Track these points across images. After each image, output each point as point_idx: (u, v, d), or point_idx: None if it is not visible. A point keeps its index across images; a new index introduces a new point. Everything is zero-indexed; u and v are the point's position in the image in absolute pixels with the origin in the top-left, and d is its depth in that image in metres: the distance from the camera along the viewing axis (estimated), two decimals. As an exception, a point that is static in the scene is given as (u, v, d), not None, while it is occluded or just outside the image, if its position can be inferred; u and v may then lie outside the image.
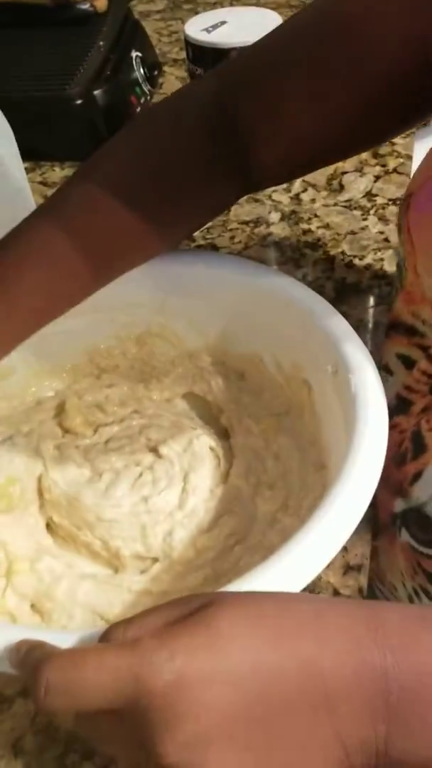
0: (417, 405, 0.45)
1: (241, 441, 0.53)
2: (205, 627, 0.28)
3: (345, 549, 0.49)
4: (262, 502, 0.48)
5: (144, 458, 0.51)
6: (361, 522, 0.49)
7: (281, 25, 0.46)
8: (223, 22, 0.73)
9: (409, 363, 0.45)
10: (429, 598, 0.47)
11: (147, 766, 0.28)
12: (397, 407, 0.47)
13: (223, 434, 0.55)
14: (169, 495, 0.49)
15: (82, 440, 0.54)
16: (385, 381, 0.45)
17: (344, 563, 0.48)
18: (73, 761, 0.41)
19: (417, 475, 0.44)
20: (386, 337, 0.48)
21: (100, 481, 0.50)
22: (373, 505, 0.52)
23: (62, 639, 0.32)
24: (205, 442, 0.52)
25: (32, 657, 0.30)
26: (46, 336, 0.54)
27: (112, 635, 0.30)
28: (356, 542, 0.49)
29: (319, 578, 0.47)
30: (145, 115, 0.52)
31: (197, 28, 0.73)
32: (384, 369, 0.49)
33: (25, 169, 0.68)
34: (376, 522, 0.53)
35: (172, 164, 0.46)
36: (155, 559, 0.47)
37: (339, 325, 0.47)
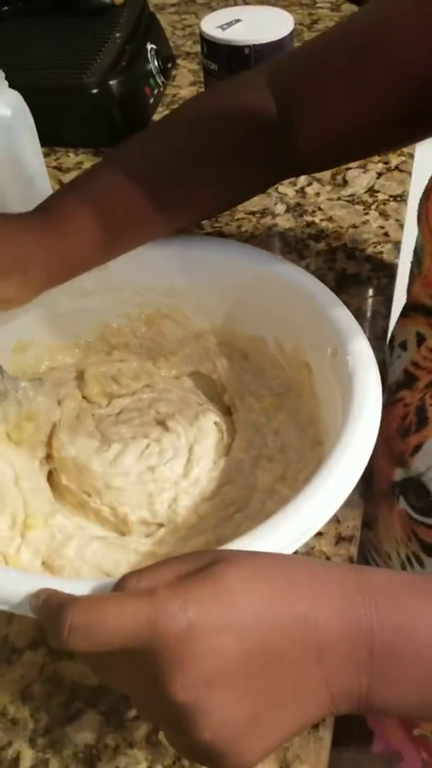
0: (422, 380, 0.48)
1: (243, 417, 0.56)
2: (213, 582, 0.31)
3: (338, 521, 0.52)
4: (261, 473, 0.51)
5: (152, 431, 0.54)
6: (354, 496, 0.53)
7: (330, 29, 0.53)
8: (237, 20, 0.76)
9: (420, 341, 0.49)
10: (421, 565, 0.50)
11: (157, 704, 0.31)
12: (404, 382, 0.50)
13: (226, 411, 0.58)
14: (174, 465, 0.52)
15: (98, 409, 0.57)
16: (397, 357, 0.48)
17: (336, 534, 0.51)
18: (78, 708, 0.44)
19: (418, 447, 0.47)
20: (404, 317, 0.51)
21: (109, 451, 0.53)
22: (370, 477, 0.56)
23: (77, 587, 0.35)
24: (210, 417, 0.55)
25: (52, 602, 0.33)
26: (60, 313, 0.58)
27: (126, 584, 0.33)
28: (348, 515, 0.52)
29: (312, 547, 0.51)
30: (195, 100, 0.58)
31: (212, 24, 0.76)
32: (400, 346, 0.52)
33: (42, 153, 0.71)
34: (375, 491, 0.56)
35: (220, 144, 0.52)
36: (160, 525, 0.50)
37: (339, 310, 0.50)
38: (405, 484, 0.49)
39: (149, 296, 0.59)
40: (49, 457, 0.55)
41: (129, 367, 0.60)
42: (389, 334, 0.61)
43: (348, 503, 0.52)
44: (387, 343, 0.60)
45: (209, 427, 0.54)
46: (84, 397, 0.58)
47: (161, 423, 0.55)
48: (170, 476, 0.51)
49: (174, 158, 0.52)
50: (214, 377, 0.60)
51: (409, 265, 0.57)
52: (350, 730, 0.80)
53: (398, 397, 0.50)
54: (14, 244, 0.47)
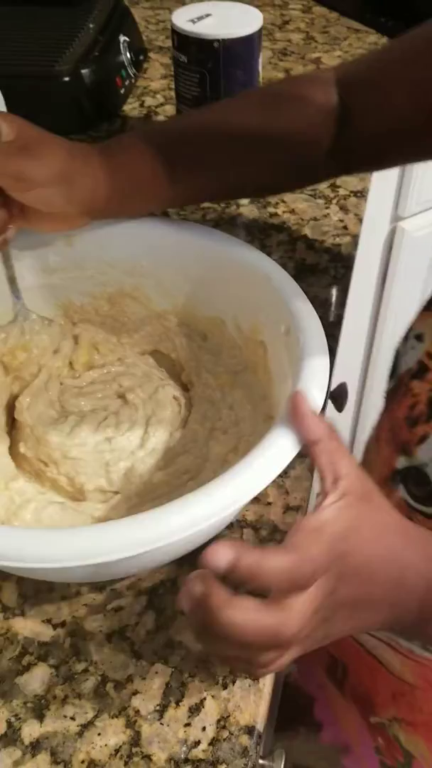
0: (431, 372, 0.50)
1: (200, 392, 0.58)
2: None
3: (287, 492, 0.55)
4: (215, 444, 0.53)
5: (112, 403, 0.56)
6: (303, 469, 0.55)
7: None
8: (207, 15, 0.78)
9: None
10: None
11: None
12: (416, 372, 0.52)
13: (184, 388, 0.60)
14: (131, 436, 0.54)
15: (69, 379, 0.59)
16: (411, 348, 0.50)
17: (285, 504, 0.54)
18: (29, 662, 0.46)
19: (424, 437, 0.49)
20: (426, 310, 0.53)
21: (65, 423, 0.55)
22: (371, 463, 0.59)
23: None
24: (169, 391, 0.57)
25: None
26: (24, 288, 0.59)
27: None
28: (297, 486, 0.55)
29: (261, 516, 0.53)
30: (269, 85, 0.61)
31: (184, 18, 0.78)
32: (416, 338, 0.54)
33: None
34: (373, 477, 0.58)
35: (283, 126, 0.55)
36: (116, 492, 0.52)
37: (293, 290, 0.52)
38: (407, 472, 0.51)
39: (112, 275, 0.61)
40: (13, 422, 0.56)
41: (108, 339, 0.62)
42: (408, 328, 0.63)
43: (297, 477, 0.55)
44: (403, 335, 0.62)
45: (167, 400, 0.56)
46: (70, 363, 0.60)
47: (122, 396, 0.56)
48: (127, 446, 0.53)
49: (238, 131, 0.55)
50: (173, 356, 0.61)
51: (367, 256, 0.59)
52: (296, 719, 0.83)
53: (409, 387, 0.52)
54: (61, 157, 0.48)
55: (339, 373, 1.03)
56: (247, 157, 0.55)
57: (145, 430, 0.54)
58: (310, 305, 0.51)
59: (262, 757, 0.72)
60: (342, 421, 1.39)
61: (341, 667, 0.71)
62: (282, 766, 0.70)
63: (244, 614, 0.33)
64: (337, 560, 0.36)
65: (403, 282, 1.23)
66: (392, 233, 1.18)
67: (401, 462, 0.53)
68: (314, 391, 0.45)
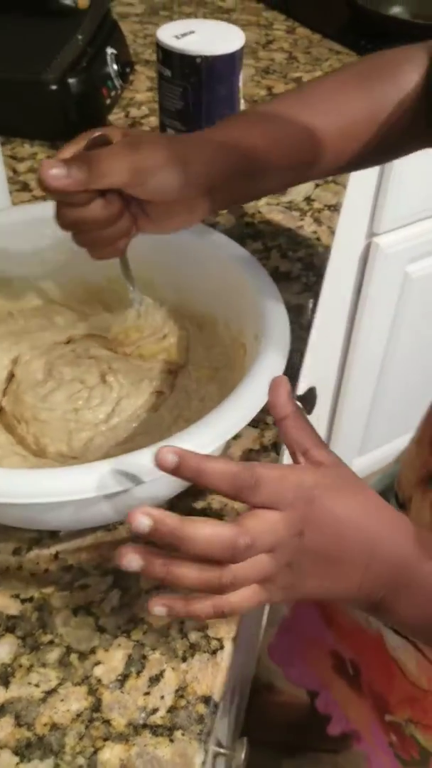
0: None
1: (180, 382, 0.62)
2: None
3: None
4: (176, 430, 0.56)
5: (90, 379, 0.59)
6: (268, 461, 0.58)
7: None
8: (192, 32, 0.82)
9: None
10: None
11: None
12: None
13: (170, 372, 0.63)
14: (98, 411, 0.57)
15: (68, 347, 0.63)
16: None
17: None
18: (-1, 633, 0.48)
19: None
20: None
21: (44, 387, 0.59)
22: (414, 459, 0.62)
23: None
24: (151, 385, 0.59)
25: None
26: (43, 261, 0.64)
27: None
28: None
29: (225, 504, 0.55)
30: (363, 62, 0.60)
31: (169, 33, 0.81)
32: None
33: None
34: (413, 473, 0.61)
35: (378, 106, 0.56)
36: (74, 458, 0.55)
37: (273, 302, 0.55)
38: None
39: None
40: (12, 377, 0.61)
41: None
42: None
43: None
44: None
45: (146, 391, 0.59)
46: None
47: (102, 376, 0.59)
48: (91, 419, 0.57)
49: (340, 114, 0.55)
50: (167, 343, 0.64)
51: (343, 269, 0.62)
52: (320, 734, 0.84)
53: None
54: (167, 142, 0.50)
55: (313, 377, 1.06)
56: (347, 140, 0.56)
57: (113, 408, 0.57)
58: (285, 316, 0.54)
59: (224, 747, 0.74)
60: (316, 422, 1.42)
61: (351, 665, 0.72)
62: (243, 755, 0.73)
63: (201, 526, 0.36)
64: (302, 500, 0.38)
65: (377, 295, 1.27)
66: (367, 248, 1.22)
67: None
68: (253, 389, 0.48)
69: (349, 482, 0.41)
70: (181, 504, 0.54)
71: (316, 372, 1.19)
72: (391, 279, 1.26)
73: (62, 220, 0.50)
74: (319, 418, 1.45)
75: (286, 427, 0.42)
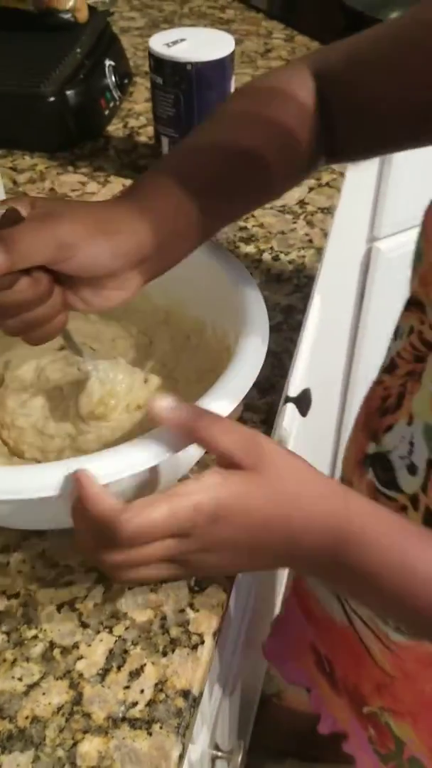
0: (402, 368, 0.53)
1: (165, 388, 0.62)
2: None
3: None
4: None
5: (54, 396, 0.60)
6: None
7: (372, 29, 0.56)
8: (183, 39, 0.83)
9: (409, 333, 0.54)
10: None
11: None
12: (388, 367, 0.55)
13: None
14: (67, 426, 0.57)
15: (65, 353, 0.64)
16: (392, 342, 0.54)
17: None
18: (-15, 629, 0.49)
19: (390, 427, 0.52)
20: (405, 310, 0.56)
21: (26, 392, 0.60)
22: (350, 445, 0.62)
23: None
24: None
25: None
26: None
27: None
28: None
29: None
30: (249, 90, 0.59)
31: (160, 42, 0.83)
32: (395, 335, 0.57)
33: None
34: (350, 459, 0.62)
35: (272, 136, 0.54)
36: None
37: (256, 306, 0.55)
38: (375, 457, 0.55)
39: None
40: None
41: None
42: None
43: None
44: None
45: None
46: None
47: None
48: (62, 431, 0.57)
49: (222, 154, 0.53)
50: (157, 352, 0.65)
51: (343, 274, 0.63)
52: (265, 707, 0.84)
53: (380, 380, 0.55)
54: (88, 210, 0.45)
55: (317, 381, 1.06)
56: (253, 170, 0.54)
57: (84, 424, 0.58)
58: (265, 316, 0.55)
59: (223, 750, 0.74)
60: (325, 423, 1.42)
61: (327, 662, 0.73)
62: (240, 759, 0.73)
63: (97, 498, 0.40)
64: (202, 527, 0.40)
65: (379, 299, 1.27)
66: (368, 253, 1.22)
67: (371, 448, 0.56)
68: (222, 401, 0.48)
69: (258, 479, 0.41)
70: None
71: (320, 376, 1.20)
72: (392, 283, 1.26)
73: None
74: (326, 422, 1.45)
75: (199, 442, 0.43)
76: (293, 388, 0.89)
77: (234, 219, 0.56)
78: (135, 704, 0.45)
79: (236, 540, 0.41)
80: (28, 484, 0.43)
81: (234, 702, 0.85)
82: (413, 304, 0.55)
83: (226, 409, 0.48)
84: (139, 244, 0.46)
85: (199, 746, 0.66)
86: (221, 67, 0.82)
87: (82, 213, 0.44)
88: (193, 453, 0.53)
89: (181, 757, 0.44)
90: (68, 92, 0.93)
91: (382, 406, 0.55)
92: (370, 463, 0.56)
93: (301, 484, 0.41)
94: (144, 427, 0.58)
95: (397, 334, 0.57)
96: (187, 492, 0.40)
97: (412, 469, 0.50)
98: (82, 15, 1.04)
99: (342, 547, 0.40)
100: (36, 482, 0.43)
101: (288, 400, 0.81)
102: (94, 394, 0.57)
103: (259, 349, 0.51)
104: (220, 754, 0.73)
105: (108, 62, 1.01)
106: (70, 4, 1.02)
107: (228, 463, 0.41)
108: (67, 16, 1.03)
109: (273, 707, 1.34)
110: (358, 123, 0.56)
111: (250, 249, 0.81)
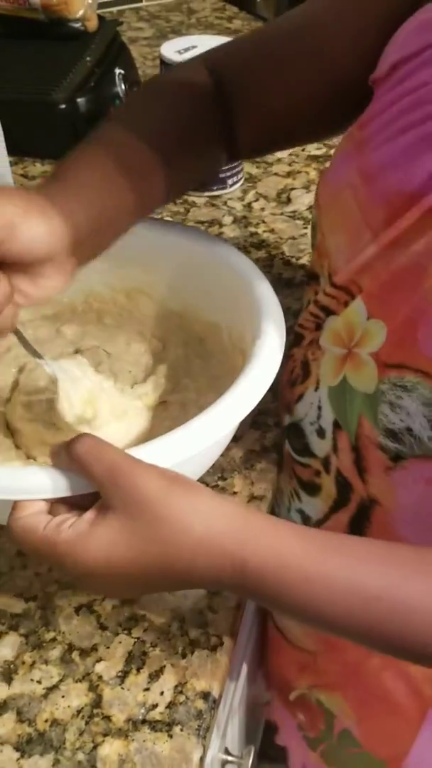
0: (306, 339, 0.53)
1: (175, 397, 0.62)
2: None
3: (252, 482, 0.58)
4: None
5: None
6: (270, 464, 0.59)
7: (263, 26, 0.57)
8: (194, 47, 0.84)
9: (308, 304, 0.55)
10: (299, 500, 0.55)
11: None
12: (294, 341, 0.55)
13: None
14: (79, 430, 0.57)
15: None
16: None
17: (250, 493, 0.57)
18: (0, 631, 0.49)
19: (300, 396, 0.52)
20: (306, 285, 0.57)
21: (37, 396, 0.59)
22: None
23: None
24: (140, 411, 0.60)
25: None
26: None
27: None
28: (262, 478, 0.58)
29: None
30: (154, 82, 0.60)
31: (172, 49, 0.84)
32: (301, 311, 0.58)
33: (9, 162, 0.77)
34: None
35: (180, 123, 0.54)
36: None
37: (273, 306, 0.55)
38: (290, 428, 0.55)
39: (131, 271, 0.65)
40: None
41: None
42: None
43: (262, 469, 0.58)
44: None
45: (134, 413, 0.59)
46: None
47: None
48: (65, 435, 0.56)
49: (134, 144, 0.52)
50: (170, 356, 0.65)
51: None
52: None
53: (290, 354, 0.55)
54: (19, 192, 0.44)
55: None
56: (170, 157, 0.53)
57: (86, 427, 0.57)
58: (281, 317, 0.55)
59: (233, 755, 0.74)
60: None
61: (268, 665, 0.73)
62: (250, 762, 0.73)
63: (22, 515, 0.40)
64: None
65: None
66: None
67: (287, 419, 0.56)
68: (239, 404, 0.47)
69: (128, 527, 0.38)
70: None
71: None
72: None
73: None
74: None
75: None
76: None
77: (158, 202, 0.55)
78: (155, 706, 0.45)
79: (106, 583, 0.41)
80: (35, 485, 0.42)
81: (242, 706, 0.85)
82: (311, 278, 0.55)
83: (243, 411, 0.48)
84: (75, 225, 0.45)
85: (210, 750, 0.65)
86: (232, 74, 0.82)
87: (16, 196, 0.42)
88: (205, 461, 0.54)
89: (202, 759, 0.44)
90: (79, 100, 0.94)
91: (290, 378, 0.55)
92: (286, 434, 0.56)
93: (175, 524, 0.38)
94: (166, 419, 0.59)
95: (300, 311, 0.58)
96: (57, 533, 0.39)
97: (321, 433, 0.51)
98: (92, 24, 1.05)
99: (239, 574, 0.38)
100: (37, 483, 0.42)
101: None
102: (72, 397, 0.55)
103: (275, 352, 0.51)
104: (231, 758, 0.72)
105: (118, 70, 1.02)
106: (80, 13, 1.02)
107: (102, 502, 0.39)
108: (77, 25, 1.04)
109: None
110: (253, 117, 0.57)
111: (261, 254, 0.82)
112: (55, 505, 0.41)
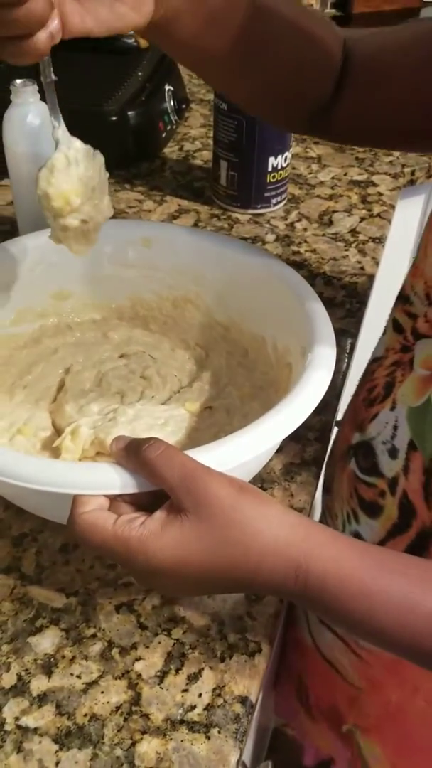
0: (389, 359, 0.54)
1: (219, 402, 0.63)
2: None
3: (292, 494, 0.58)
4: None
5: (113, 402, 0.61)
6: (309, 477, 0.59)
7: (409, 23, 0.58)
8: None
9: (396, 326, 0.55)
10: (357, 521, 0.55)
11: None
12: (378, 359, 0.56)
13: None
14: (121, 428, 0.56)
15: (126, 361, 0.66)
16: (382, 336, 0.56)
17: (290, 505, 0.57)
18: (42, 624, 0.49)
19: (375, 415, 0.53)
20: (394, 306, 0.57)
21: (86, 398, 0.61)
22: (334, 443, 0.62)
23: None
24: (184, 415, 0.60)
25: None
26: (103, 276, 0.68)
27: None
28: (302, 490, 0.58)
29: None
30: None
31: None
32: (385, 328, 0.58)
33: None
34: (335, 456, 0.62)
35: (306, 44, 0.55)
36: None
37: (322, 318, 0.56)
38: (358, 446, 0.55)
39: (180, 280, 0.67)
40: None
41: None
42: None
43: (302, 482, 0.59)
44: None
45: (181, 416, 0.60)
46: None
47: (142, 392, 0.61)
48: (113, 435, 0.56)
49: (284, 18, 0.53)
50: (215, 364, 0.66)
51: (381, 296, 0.64)
52: (278, 739, 0.84)
53: (370, 370, 0.56)
54: None
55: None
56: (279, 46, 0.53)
57: (132, 427, 0.58)
58: (332, 332, 0.56)
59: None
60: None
61: (304, 687, 0.72)
62: (267, 775, 0.72)
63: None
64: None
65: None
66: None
67: (356, 438, 0.56)
68: (291, 415, 0.48)
69: (197, 528, 0.39)
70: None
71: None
72: None
73: None
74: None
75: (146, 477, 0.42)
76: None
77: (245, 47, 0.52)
78: (193, 707, 0.45)
79: (173, 582, 0.41)
80: (102, 480, 0.43)
81: (255, 722, 0.85)
82: (399, 299, 0.56)
83: (293, 424, 0.48)
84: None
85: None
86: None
87: None
88: (252, 469, 0.54)
89: (238, 762, 0.44)
90: (129, 113, 0.96)
91: (369, 398, 0.55)
92: (353, 453, 0.57)
93: (245, 528, 0.39)
94: (213, 426, 0.59)
95: (386, 329, 0.58)
96: (129, 530, 0.40)
97: (393, 453, 0.51)
98: (144, 41, 1.08)
99: (301, 582, 0.39)
100: (104, 479, 0.43)
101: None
102: (54, 175, 0.51)
103: (327, 370, 0.52)
104: (250, 773, 0.72)
105: (167, 87, 1.04)
106: (134, 30, 1.05)
107: (172, 503, 0.40)
108: (131, 41, 1.06)
109: (284, 737, 1.32)
110: (364, 98, 0.57)
111: (302, 273, 0.81)
112: (115, 502, 0.42)
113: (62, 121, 0.51)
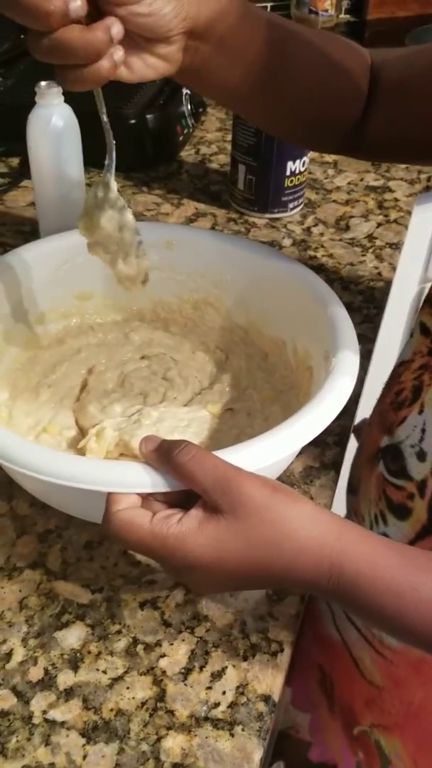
0: (416, 362, 0.55)
1: (240, 405, 0.63)
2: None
3: (311, 498, 0.59)
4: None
5: (155, 399, 0.61)
6: (328, 480, 0.60)
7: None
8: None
9: (424, 329, 0.56)
10: (385, 523, 0.56)
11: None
12: (404, 362, 0.57)
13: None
14: (145, 429, 0.57)
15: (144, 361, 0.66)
16: (409, 338, 0.56)
17: (309, 507, 0.58)
18: (68, 619, 0.50)
19: (404, 419, 0.54)
20: (422, 309, 0.58)
21: (108, 398, 0.61)
22: (361, 446, 0.63)
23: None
24: (206, 417, 0.61)
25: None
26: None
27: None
28: (321, 494, 0.59)
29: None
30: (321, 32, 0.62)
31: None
32: (411, 332, 0.59)
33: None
34: (363, 459, 0.62)
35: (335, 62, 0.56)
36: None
37: (345, 323, 0.57)
38: (387, 449, 0.56)
39: (201, 283, 0.68)
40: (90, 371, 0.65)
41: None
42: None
43: (322, 485, 0.60)
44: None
45: (204, 417, 0.61)
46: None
47: (164, 394, 0.62)
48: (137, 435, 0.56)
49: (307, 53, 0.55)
50: (234, 367, 0.67)
51: (397, 303, 0.64)
52: (284, 742, 0.84)
53: (397, 373, 0.57)
54: None
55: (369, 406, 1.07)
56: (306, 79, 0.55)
57: (156, 428, 0.58)
58: (355, 337, 0.56)
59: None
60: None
61: (329, 679, 0.73)
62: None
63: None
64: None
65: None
66: (421, 293, 1.24)
67: (385, 441, 0.57)
68: (312, 411, 0.49)
69: (234, 527, 0.40)
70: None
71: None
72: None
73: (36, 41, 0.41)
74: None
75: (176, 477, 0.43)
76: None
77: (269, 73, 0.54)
78: (217, 705, 0.46)
79: (207, 579, 0.42)
80: (135, 479, 0.44)
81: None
82: (426, 302, 0.57)
83: (317, 429, 0.49)
84: (197, 14, 0.46)
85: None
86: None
87: None
88: (273, 471, 0.55)
89: (262, 760, 0.45)
90: (148, 116, 0.97)
91: (396, 401, 0.56)
92: (381, 456, 0.57)
93: (279, 527, 0.40)
94: (234, 428, 0.60)
95: (414, 331, 0.59)
96: (168, 527, 0.41)
97: (421, 456, 0.52)
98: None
99: (335, 580, 0.40)
100: (136, 477, 0.44)
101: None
102: (105, 224, 0.57)
103: (351, 375, 0.52)
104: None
105: (185, 91, 1.05)
106: (154, 33, 1.06)
107: (206, 503, 0.41)
108: (149, 44, 1.07)
109: (289, 740, 1.33)
110: (398, 117, 0.58)
111: (320, 277, 0.83)
112: (147, 500, 0.43)
113: (116, 192, 0.58)
